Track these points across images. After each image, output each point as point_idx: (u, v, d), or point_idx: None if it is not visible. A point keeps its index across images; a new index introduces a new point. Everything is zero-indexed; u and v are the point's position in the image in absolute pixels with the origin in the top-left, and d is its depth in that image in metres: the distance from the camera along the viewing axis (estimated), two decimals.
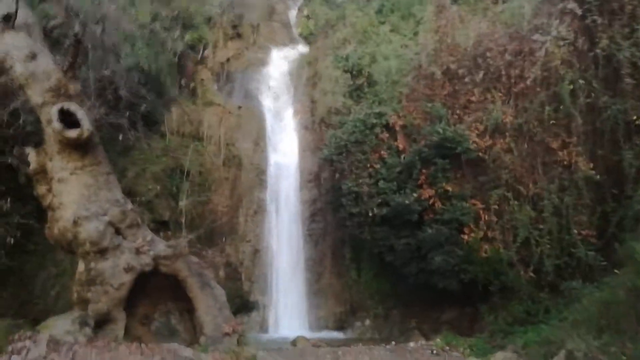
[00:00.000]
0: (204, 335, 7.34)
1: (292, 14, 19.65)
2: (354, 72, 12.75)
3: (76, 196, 7.19)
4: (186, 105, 15.98)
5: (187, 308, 7.95)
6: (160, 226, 14.61)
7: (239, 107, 16.34)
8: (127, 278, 6.93)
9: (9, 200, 11.97)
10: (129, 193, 13.68)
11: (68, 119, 7.19)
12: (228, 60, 17.42)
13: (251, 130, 16.28)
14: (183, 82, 16.19)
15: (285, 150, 16.13)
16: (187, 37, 15.86)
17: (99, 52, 12.89)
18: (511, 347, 8.78)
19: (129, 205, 7.52)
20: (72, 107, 7.14)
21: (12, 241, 11.84)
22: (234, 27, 17.76)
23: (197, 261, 8.03)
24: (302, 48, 18.50)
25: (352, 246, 14.43)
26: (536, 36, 10.98)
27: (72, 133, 7.06)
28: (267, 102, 16.82)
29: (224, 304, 7.74)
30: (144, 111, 14.67)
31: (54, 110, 7.08)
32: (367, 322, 13.36)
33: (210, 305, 7.54)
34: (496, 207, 10.98)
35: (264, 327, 14.01)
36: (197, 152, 15.30)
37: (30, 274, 12.99)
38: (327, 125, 15.25)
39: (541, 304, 10.18)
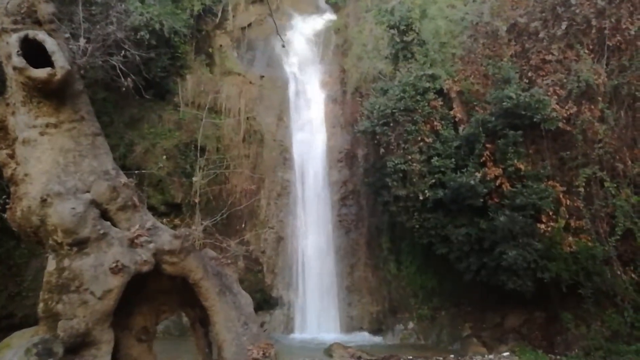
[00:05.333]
0: None
1: None
2: (402, 27, 10.19)
3: (48, 165, 4.81)
4: (202, 74, 13.60)
5: (201, 317, 5.64)
6: (172, 209, 12.36)
7: (262, 77, 13.93)
8: (116, 282, 4.55)
9: None
10: (137, 171, 11.46)
11: (39, 58, 4.80)
12: (249, 25, 15.01)
13: (274, 102, 13.87)
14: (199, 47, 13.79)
15: (311, 126, 13.86)
16: None
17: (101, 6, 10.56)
18: None
19: (123, 179, 5.10)
20: (40, 35, 4.74)
21: None
22: None
23: (215, 256, 5.67)
24: (329, 16, 16.32)
25: (390, 235, 12.02)
26: None
27: (41, 73, 4.65)
28: (291, 73, 14.52)
29: (251, 317, 5.36)
30: (154, 77, 12.35)
31: (13, 40, 4.68)
32: (410, 324, 10.89)
33: (232, 319, 5.17)
34: (582, 189, 8.53)
35: (289, 327, 11.61)
36: (214, 126, 12.96)
37: (20, 262, 10.66)
38: (361, 95, 12.82)
39: None
